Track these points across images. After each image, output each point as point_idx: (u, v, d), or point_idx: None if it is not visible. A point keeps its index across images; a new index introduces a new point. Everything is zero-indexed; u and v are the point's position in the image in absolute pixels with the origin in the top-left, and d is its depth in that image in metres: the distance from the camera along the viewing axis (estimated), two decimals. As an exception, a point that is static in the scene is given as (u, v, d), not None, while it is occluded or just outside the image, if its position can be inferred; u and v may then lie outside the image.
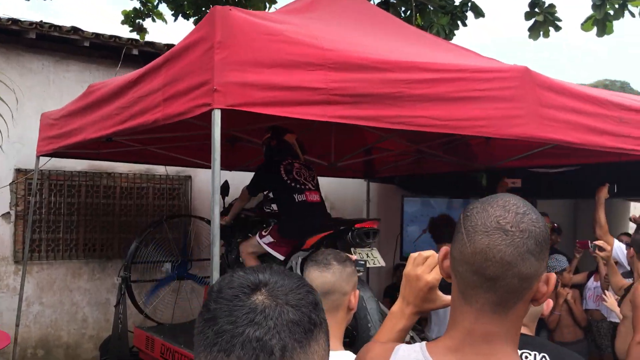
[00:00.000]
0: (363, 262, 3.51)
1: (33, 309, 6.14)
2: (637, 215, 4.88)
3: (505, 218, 0.97)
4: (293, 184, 4.41)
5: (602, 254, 4.16)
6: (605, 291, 4.51)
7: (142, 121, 3.28)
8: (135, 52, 6.35)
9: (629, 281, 4.13)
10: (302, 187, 4.43)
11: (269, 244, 4.34)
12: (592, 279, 5.16)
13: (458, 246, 1.01)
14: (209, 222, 6.18)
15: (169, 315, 6.17)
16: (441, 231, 4.49)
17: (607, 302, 4.25)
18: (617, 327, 3.90)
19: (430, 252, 1.28)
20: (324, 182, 7.23)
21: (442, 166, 6.16)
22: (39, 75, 6.20)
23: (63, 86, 6.28)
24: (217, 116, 2.68)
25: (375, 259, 3.89)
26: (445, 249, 1.09)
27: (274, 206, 4.97)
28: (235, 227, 4.98)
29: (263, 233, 4.41)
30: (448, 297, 1.24)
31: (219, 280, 0.76)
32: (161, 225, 6.15)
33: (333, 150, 5.25)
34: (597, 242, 4.25)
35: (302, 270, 4.20)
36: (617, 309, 3.98)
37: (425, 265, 1.26)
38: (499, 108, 3.34)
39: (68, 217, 6.32)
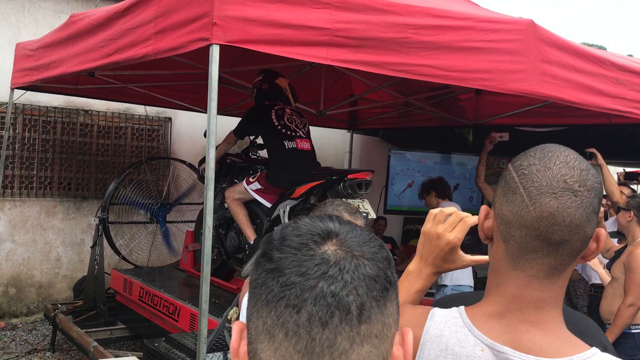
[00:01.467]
0: (365, 214, 3.45)
1: (5, 246, 5.97)
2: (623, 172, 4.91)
3: (572, 177, 0.89)
4: (284, 130, 4.30)
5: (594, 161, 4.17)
6: None
7: (130, 55, 3.09)
8: (116, -17, 6.01)
9: (615, 243, 4.17)
10: (293, 133, 4.33)
11: (256, 191, 4.24)
12: None
13: (515, 209, 0.91)
14: (190, 165, 6.05)
15: (145, 258, 6.08)
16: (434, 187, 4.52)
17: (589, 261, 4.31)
18: (605, 288, 3.94)
19: (452, 209, 1.19)
20: (306, 130, 7.15)
21: (429, 120, 6.09)
22: (13, 2, 5.83)
23: (39, 15, 5.94)
24: (215, 52, 2.52)
25: (366, 210, 3.83)
26: (486, 208, 1.00)
27: (260, 153, 4.86)
28: (220, 173, 4.86)
29: (250, 179, 4.30)
30: (470, 257, 1.18)
31: (280, 227, 0.67)
32: (140, 167, 5.97)
33: (322, 98, 5.10)
34: (588, 149, 4.25)
35: (289, 220, 4.15)
36: (600, 269, 4.03)
37: (447, 224, 1.18)
38: (503, 61, 3.24)
39: (43, 154, 6.10)
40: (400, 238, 6.87)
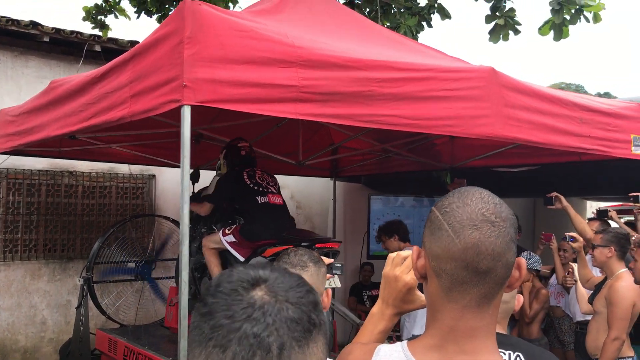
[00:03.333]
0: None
1: (-11, 312, 5.92)
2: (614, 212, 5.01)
3: (488, 210, 0.98)
4: (256, 187, 4.46)
5: (575, 244, 4.26)
6: (570, 278, 4.64)
7: (108, 118, 3.19)
8: (97, 48, 6.20)
9: (597, 275, 4.21)
10: (265, 190, 4.49)
11: (231, 244, 4.30)
12: (554, 275, 5.27)
13: (442, 244, 0.98)
14: (174, 221, 6.09)
15: (132, 316, 6.03)
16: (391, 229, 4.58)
17: (573, 283, 4.37)
18: (589, 323, 3.97)
19: (408, 252, 1.26)
20: (290, 180, 7.24)
21: (408, 165, 6.21)
22: (-4, 70, 5.97)
23: (22, 82, 6.08)
24: (186, 113, 2.63)
25: (331, 279, 3.89)
26: (417, 248, 1.07)
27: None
28: (200, 219, 4.93)
29: (226, 231, 4.37)
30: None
31: (218, 275, 0.74)
32: (125, 225, 6.00)
33: (300, 149, 5.22)
34: (570, 233, 4.35)
35: None
36: (585, 299, 4.07)
37: (403, 266, 1.26)
38: (466, 107, 3.38)
39: (27, 217, 6.12)
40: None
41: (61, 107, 3.80)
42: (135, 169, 6.62)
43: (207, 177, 5.76)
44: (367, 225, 6.01)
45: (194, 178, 5.09)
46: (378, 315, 1.27)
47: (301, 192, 7.72)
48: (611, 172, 5.12)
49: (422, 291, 1.26)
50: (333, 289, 3.67)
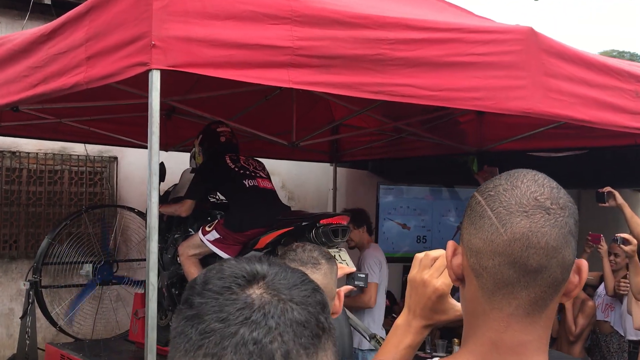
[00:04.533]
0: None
1: None
2: None
3: (542, 194, 0.96)
4: (242, 171, 4.49)
5: (628, 248, 4.26)
6: (624, 284, 4.64)
7: (59, 85, 3.17)
8: (47, 1, 6.15)
9: None
10: (253, 174, 4.52)
11: (214, 242, 4.30)
12: (602, 284, 5.28)
13: (484, 235, 0.97)
14: (139, 213, 6.10)
15: (89, 328, 6.05)
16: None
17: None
18: None
19: (439, 252, 1.25)
20: (281, 166, 7.24)
21: (425, 148, 6.20)
22: None
23: (-46, 42, 6.04)
24: (155, 79, 2.62)
25: (344, 262, 3.90)
26: (452, 243, 1.06)
27: (220, 195, 4.95)
28: (171, 220, 4.92)
29: (207, 229, 4.37)
30: None
31: (204, 271, 0.73)
32: (80, 218, 6.00)
33: (294, 127, 5.21)
34: (623, 234, 4.35)
35: None
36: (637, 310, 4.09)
37: (433, 268, 1.24)
38: (498, 77, 3.37)
39: (-40, 207, 6.12)
40: (399, 291, 6.90)
41: (1, 71, 3.78)
42: (93, 149, 6.60)
43: (179, 160, 5.76)
44: (375, 221, 6.01)
45: (159, 176, 5.06)
46: (404, 328, 1.26)
47: (294, 180, 7.71)
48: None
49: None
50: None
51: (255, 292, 0.67)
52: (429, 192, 6.13)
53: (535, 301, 0.96)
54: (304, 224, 3.97)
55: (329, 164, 7.28)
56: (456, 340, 5.11)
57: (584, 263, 1.00)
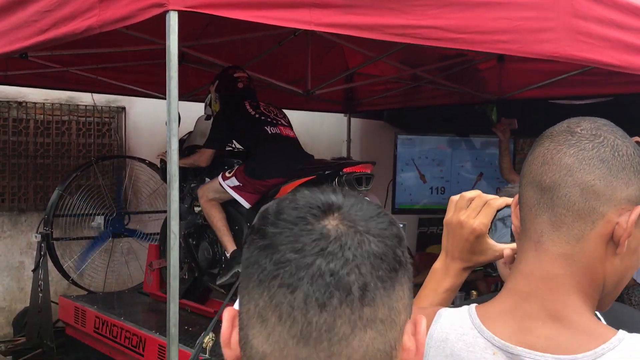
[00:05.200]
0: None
1: None
2: None
3: (579, 124, 0.98)
4: (262, 117, 4.46)
5: None
6: None
7: (71, 29, 3.13)
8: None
9: None
10: (274, 121, 4.49)
11: (234, 188, 4.30)
12: None
13: (525, 164, 1.02)
14: (150, 164, 6.10)
15: (101, 281, 6.12)
16: None
17: None
18: None
19: (475, 192, 1.26)
20: (292, 117, 7.17)
21: (443, 97, 6.15)
22: None
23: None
24: (173, 20, 2.58)
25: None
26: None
27: (237, 144, 4.93)
28: (187, 169, 4.91)
29: (227, 174, 4.37)
30: (502, 246, 1.22)
31: (276, 201, 0.72)
32: (90, 169, 6.01)
33: (309, 74, 5.15)
34: None
35: None
36: None
37: (469, 209, 1.24)
38: (525, 18, 3.30)
39: (-33, 159, 6.13)
40: (414, 244, 6.93)
41: (8, 17, 3.73)
42: (101, 99, 6.57)
43: (190, 110, 5.72)
44: (392, 172, 5.98)
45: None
46: (442, 271, 1.27)
47: (307, 131, 7.65)
48: None
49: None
50: None
51: (331, 223, 0.66)
52: (447, 142, 6.09)
53: (558, 227, 0.95)
54: (326, 172, 3.96)
55: (342, 115, 7.24)
56: (474, 293, 5.14)
57: (638, 208, 0.95)
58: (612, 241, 0.95)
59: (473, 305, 1.04)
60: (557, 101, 5.53)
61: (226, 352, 0.72)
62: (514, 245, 1.18)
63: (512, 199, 1.25)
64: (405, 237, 0.71)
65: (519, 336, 0.96)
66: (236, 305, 0.75)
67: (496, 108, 5.90)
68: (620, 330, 0.94)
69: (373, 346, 0.63)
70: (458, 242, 1.25)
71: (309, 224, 0.66)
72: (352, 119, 7.19)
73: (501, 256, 1.22)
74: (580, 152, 0.95)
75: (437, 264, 1.29)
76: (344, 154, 7.23)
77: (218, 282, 4.35)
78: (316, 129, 7.62)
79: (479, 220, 1.22)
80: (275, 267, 0.64)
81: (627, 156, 0.96)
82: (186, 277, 4.92)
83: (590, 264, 0.96)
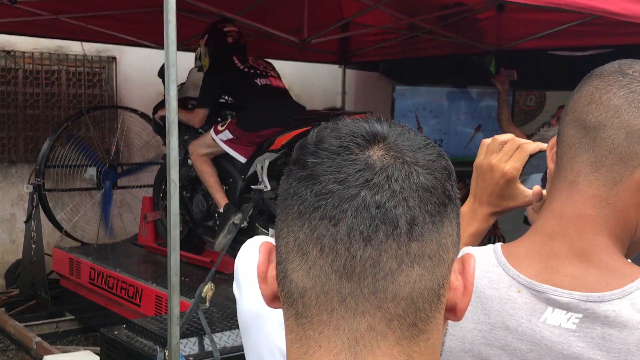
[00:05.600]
0: None
1: None
2: None
3: (630, 65, 0.95)
4: (252, 70, 4.45)
5: None
6: None
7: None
8: None
9: None
10: (264, 73, 4.49)
11: (227, 142, 4.27)
12: None
13: (569, 102, 1.00)
14: (143, 115, 6.05)
15: (93, 233, 6.11)
16: None
17: None
18: None
19: (508, 136, 1.23)
20: (286, 68, 7.08)
21: (441, 47, 6.09)
22: None
23: None
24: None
25: None
26: (555, 137, 1.05)
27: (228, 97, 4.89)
28: (178, 123, 4.86)
29: (219, 128, 4.34)
30: (533, 191, 1.20)
31: (316, 130, 0.68)
32: (81, 120, 5.94)
33: (305, 22, 5.07)
34: None
35: (269, 178, 4.19)
36: None
37: (502, 153, 1.21)
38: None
39: (-46, 109, 6.04)
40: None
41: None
42: (91, 49, 6.47)
43: (181, 62, 5.64)
44: (389, 125, 5.95)
45: (164, 75, 4.96)
46: (469, 215, 1.24)
47: (301, 82, 7.60)
48: None
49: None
50: None
51: (376, 153, 0.63)
52: (445, 94, 6.03)
53: (597, 168, 0.93)
54: (322, 123, 3.91)
55: (337, 66, 7.17)
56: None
57: None
58: None
59: (498, 244, 1.04)
60: (557, 52, 5.48)
61: (262, 287, 0.70)
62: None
63: (545, 144, 1.24)
64: (454, 171, 0.68)
65: (545, 274, 0.95)
66: (272, 240, 0.73)
67: (495, 59, 5.83)
68: None
69: (420, 283, 0.61)
70: (487, 186, 1.23)
71: (353, 153, 0.63)
72: (347, 71, 7.12)
73: (531, 202, 1.21)
74: (630, 94, 0.92)
75: (464, 208, 1.27)
76: (339, 106, 7.19)
77: (216, 247, 4.32)
78: (310, 80, 7.55)
79: (511, 164, 1.20)
80: (316, 198, 0.62)
81: None
82: (180, 228, 4.89)
83: (624, 209, 0.94)
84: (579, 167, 0.95)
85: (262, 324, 1.51)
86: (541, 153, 1.17)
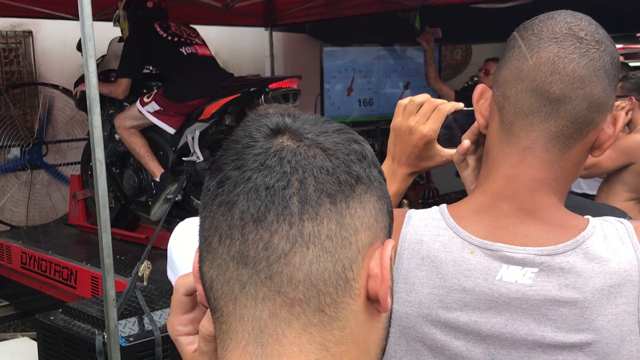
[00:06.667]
0: None
1: None
2: None
3: (578, 25, 0.95)
4: (176, 39, 4.31)
5: None
6: None
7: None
8: None
9: None
10: (188, 40, 4.36)
11: (154, 113, 4.16)
12: None
13: (512, 64, 0.97)
14: (65, 90, 5.84)
15: (22, 215, 5.93)
16: None
17: None
18: None
19: (424, 97, 1.23)
20: (212, 33, 6.96)
21: (365, 6, 6.04)
22: None
23: None
24: None
25: None
26: (482, 86, 1.05)
27: (152, 68, 4.76)
28: (102, 97, 4.71)
29: (145, 99, 4.21)
30: (449, 152, 1.22)
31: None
32: (0, 99, 5.71)
33: (228, -13, 4.96)
34: None
35: (201, 148, 4.11)
36: None
37: (419, 114, 1.22)
38: None
39: None
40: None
41: None
42: (4, 24, 6.16)
43: (101, 32, 5.44)
44: (319, 86, 5.90)
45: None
46: (389, 177, 1.24)
47: (227, 47, 7.47)
48: (629, 6, 5.12)
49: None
50: None
51: (278, 140, 0.62)
52: (373, 52, 6.02)
53: (556, 136, 0.95)
54: (252, 89, 3.84)
55: (263, 29, 7.06)
56: (405, 202, 5.23)
57: (620, 115, 0.98)
58: (593, 146, 0.98)
59: (443, 206, 1.04)
60: (480, 5, 5.51)
61: (198, 287, 0.67)
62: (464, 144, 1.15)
63: (460, 103, 1.24)
64: (373, 157, 0.66)
65: (496, 234, 0.97)
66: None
67: (419, 15, 5.84)
68: (589, 217, 0.97)
69: (318, 265, 0.59)
70: (406, 147, 1.23)
71: (254, 140, 0.62)
72: (274, 33, 7.01)
73: (447, 161, 1.22)
74: (590, 62, 0.93)
75: (384, 168, 1.27)
76: (267, 70, 7.10)
77: (152, 216, 4.24)
78: (237, 45, 7.42)
79: (429, 126, 1.20)
80: (217, 186, 0.62)
81: (617, 64, 0.97)
82: (112, 205, 4.78)
83: (571, 169, 0.98)
84: (536, 135, 0.95)
85: None
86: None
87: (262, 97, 3.77)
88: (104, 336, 2.82)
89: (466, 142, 1.12)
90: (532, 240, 0.95)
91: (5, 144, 5.61)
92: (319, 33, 7.01)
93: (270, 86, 3.82)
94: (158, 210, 4.17)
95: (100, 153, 2.53)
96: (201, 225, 0.64)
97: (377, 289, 0.62)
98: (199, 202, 3.96)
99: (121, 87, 4.37)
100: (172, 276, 1.57)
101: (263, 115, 0.66)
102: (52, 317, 3.30)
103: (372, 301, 0.63)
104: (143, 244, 4.37)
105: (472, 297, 0.96)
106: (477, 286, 0.95)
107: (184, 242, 1.58)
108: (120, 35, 4.65)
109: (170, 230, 4.34)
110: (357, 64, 5.95)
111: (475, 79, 4.87)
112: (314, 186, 0.59)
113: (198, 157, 4.07)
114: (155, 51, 4.33)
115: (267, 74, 6.99)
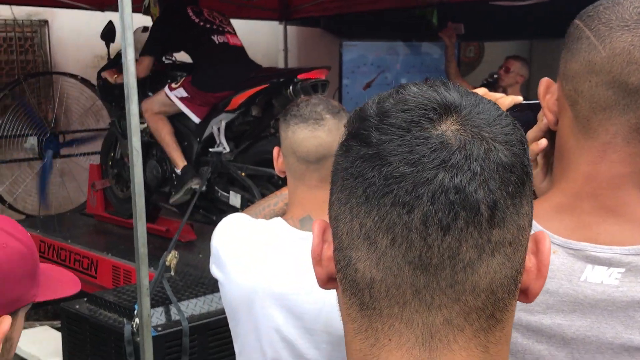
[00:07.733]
0: None
1: None
2: None
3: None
4: (208, 25, 4.21)
5: None
6: None
7: None
8: None
9: None
10: (220, 28, 4.25)
11: (182, 99, 4.09)
12: None
13: (581, 56, 0.91)
14: (83, 80, 5.83)
15: (36, 205, 5.91)
16: None
17: None
18: None
19: (482, 90, 1.13)
20: (228, 26, 6.94)
21: (381, 1, 6.02)
22: None
23: None
24: None
25: None
26: (546, 80, 1.00)
27: (177, 56, 4.71)
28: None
29: (173, 85, 4.14)
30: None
31: (375, 100, 0.60)
32: (17, 88, 5.70)
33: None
34: None
35: (227, 139, 4.07)
36: None
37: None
38: None
39: None
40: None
41: None
42: (20, 12, 6.14)
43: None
44: (337, 81, 5.88)
45: (108, 36, 4.69)
46: None
47: (242, 41, 7.45)
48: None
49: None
50: None
51: (450, 128, 0.56)
52: (392, 48, 6.00)
53: (636, 128, 0.90)
54: (280, 80, 3.81)
55: (277, 23, 7.03)
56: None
57: None
58: None
59: None
60: (498, 3, 5.48)
61: (317, 269, 0.65)
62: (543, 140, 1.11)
63: (519, 97, 1.19)
64: (528, 142, 0.62)
65: (578, 233, 0.92)
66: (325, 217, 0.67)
67: (437, 11, 5.81)
68: None
69: (501, 272, 0.56)
70: None
71: (424, 129, 0.56)
72: (288, 27, 6.98)
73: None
74: None
75: None
76: (281, 64, 7.07)
77: (171, 201, 4.21)
78: (251, 38, 7.36)
79: None
80: (386, 182, 0.55)
81: None
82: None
83: None
84: (616, 128, 0.90)
85: (256, 305, 1.45)
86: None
87: (291, 87, 3.73)
88: (132, 325, 2.80)
89: (543, 141, 1.06)
90: (617, 239, 0.90)
91: (22, 133, 5.58)
92: (333, 28, 6.98)
93: (298, 77, 3.77)
94: (178, 199, 4.16)
95: (137, 142, 2.51)
96: (357, 220, 0.58)
97: (529, 283, 0.61)
98: (223, 193, 3.94)
99: (143, 64, 4.20)
100: (217, 273, 1.57)
101: (416, 89, 0.59)
102: (77, 306, 3.29)
103: (520, 293, 0.61)
104: (163, 236, 4.36)
105: (556, 299, 0.92)
106: (561, 287, 0.92)
107: (228, 240, 1.58)
108: (145, 25, 4.59)
109: (194, 221, 4.24)
110: (377, 59, 5.93)
111: (495, 76, 4.83)
112: (500, 188, 0.55)
113: (224, 148, 4.03)
114: (186, 35, 4.24)
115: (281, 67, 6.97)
